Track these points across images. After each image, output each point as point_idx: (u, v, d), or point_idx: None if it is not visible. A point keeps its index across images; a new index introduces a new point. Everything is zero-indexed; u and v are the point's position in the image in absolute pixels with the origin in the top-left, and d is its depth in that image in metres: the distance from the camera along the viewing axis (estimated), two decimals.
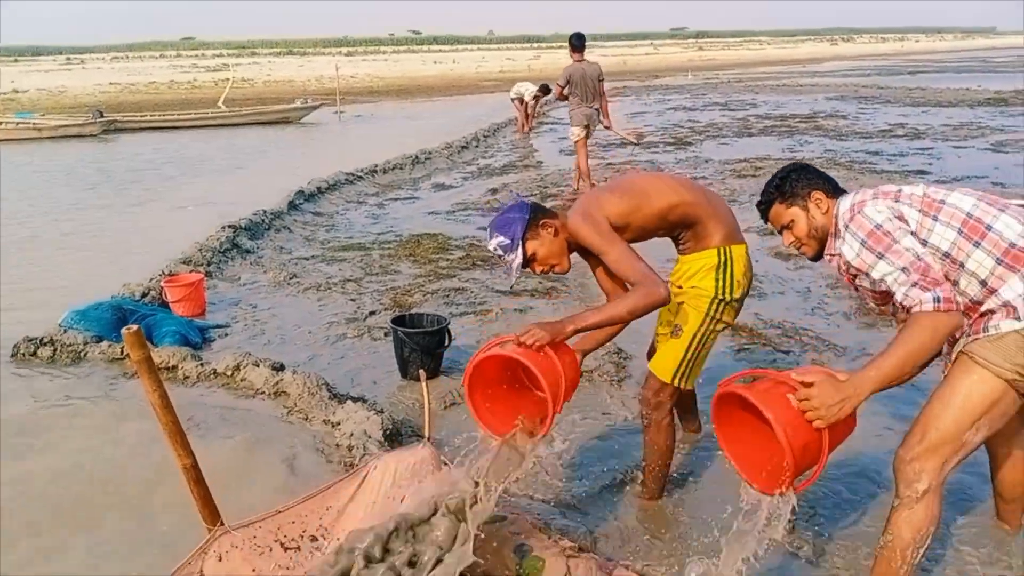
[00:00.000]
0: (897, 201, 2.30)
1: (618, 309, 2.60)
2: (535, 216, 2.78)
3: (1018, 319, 2.18)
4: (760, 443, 2.28)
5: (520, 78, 23.34)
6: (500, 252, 2.79)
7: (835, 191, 2.50)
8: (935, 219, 2.26)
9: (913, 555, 2.28)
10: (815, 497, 3.14)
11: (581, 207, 2.80)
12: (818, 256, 2.52)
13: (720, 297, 2.83)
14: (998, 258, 2.20)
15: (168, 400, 2.15)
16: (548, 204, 8.96)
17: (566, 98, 9.59)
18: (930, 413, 2.28)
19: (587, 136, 9.76)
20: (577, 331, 2.58)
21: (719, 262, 2.83)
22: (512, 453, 2.56)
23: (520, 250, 2.73)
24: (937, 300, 2.10)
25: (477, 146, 15.11)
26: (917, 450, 2.26)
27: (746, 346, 4.72)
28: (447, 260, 6.91)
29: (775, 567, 2.72)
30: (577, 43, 9.57)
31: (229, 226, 7.50)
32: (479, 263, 6.75)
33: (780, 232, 2.60)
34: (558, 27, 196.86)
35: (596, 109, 9.65)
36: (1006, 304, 2.20)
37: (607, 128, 10.11)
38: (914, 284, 2.13)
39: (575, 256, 2.90)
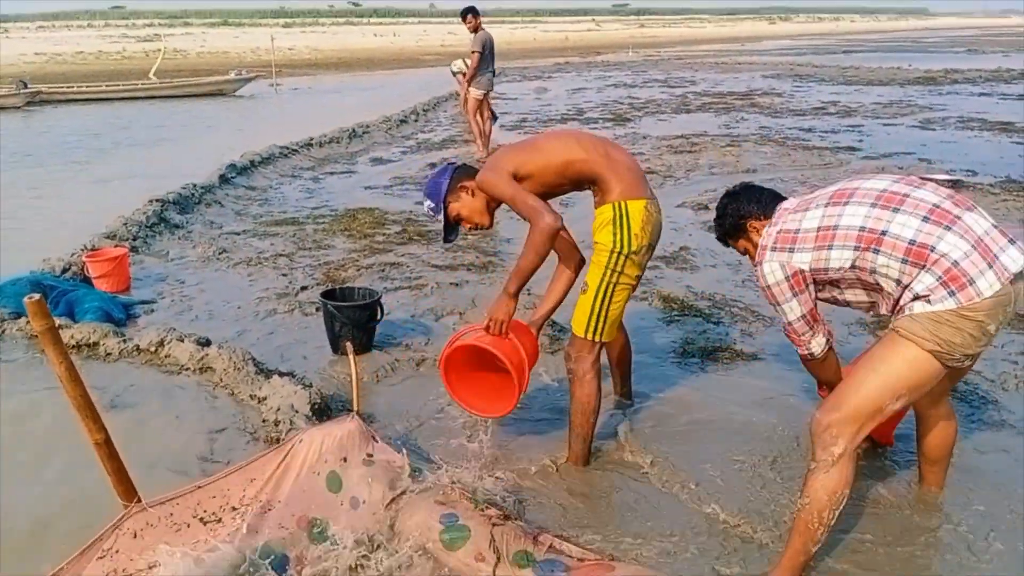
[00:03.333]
0: (792, 251, 2.47)
1: (527, 255, 2.86)
2: (456, 179, 3.09)
3: (929, 303, 2.25)
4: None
5: (462, 52, 23.09)
6: (430, 214, 3.15)
7: (765, 210, 2.69)
8: (829, 248, 2.41)
9: (829, 516, 2.34)
10: (735, 461, 3.21)
11: (487, 163, 3.06)
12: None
13: (618, 250, 2.90)
14: (902, 258, 2.28)
15: (76, 372, 2.08)
16: None
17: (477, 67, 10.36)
18: (853, 380, 2.35)
19: (485, 101, 10.60)
20: (515, 293, 2.94)
21: (614, 215, 2.90)
22: None
23: (444, 212, 3.08)
24: (811, 355, 2.67)
25: (416, 120, 14.93)
26: (835, 416, 2.32)
27: (677, 317, 4.78)
28: (383, 235, 6.82)
29: (712, 531, 2.78)
30: (478, 12, 10.42)
31: (157, 200, 7.27)
32: (416, 238, 6.69)
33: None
34: (499, 2, 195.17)
35: (494, 74, 10.73)
36: (917, 296, 2.28)
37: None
38: (801, 334, 2.62)
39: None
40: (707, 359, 4.22)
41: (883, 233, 2.29)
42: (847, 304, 2.58)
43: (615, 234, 2.90)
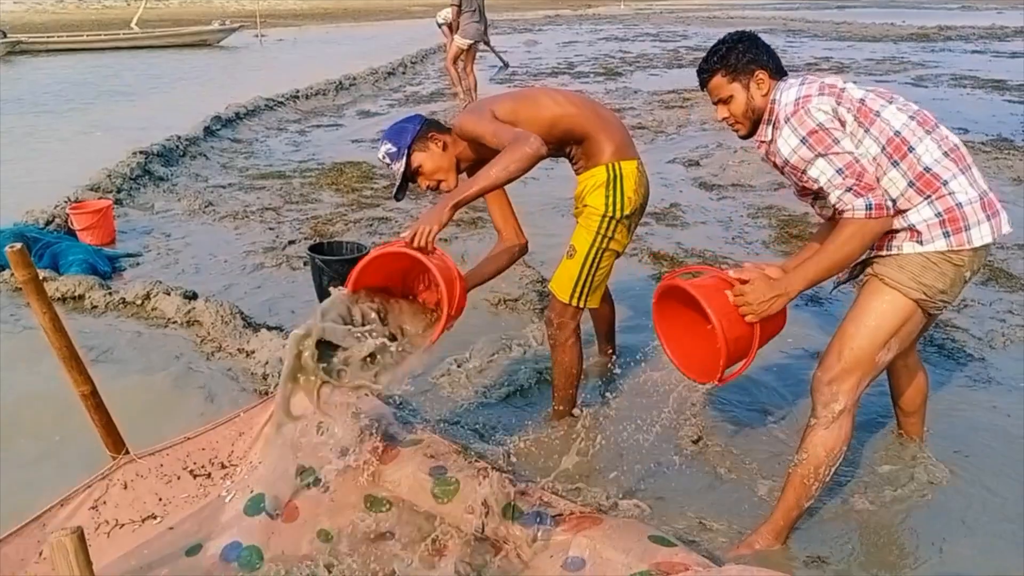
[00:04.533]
0: (839, 103, 2.26)
1: (493, 169, 2.45)
2: (426, 128, 2.75)
3: (920, 243, 2.24)
4: (694, 339, 2.45)
5: (449, 3, 22.70)
6: (387, 160, 2.75)
7: (777, 71, 2.42)
8: (867, 131, 2.24)
9: (826, 472, 2.36)
10: (723, 416, 3.23)
11: (468, 107, 2.84)
12: (749, 135, 2.48)
13: (610, 214, 2.82)
14: (911, 180, 2.23)
15: (60, 323, 2.05)
16: None
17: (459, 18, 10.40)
18: (844, 335, 2.34)
19: (471, 51, 10.56)
20: (458, 206, 2.44)
21: (608, 177, 2.81)
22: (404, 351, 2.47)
23: (405, 160, 2.70)
24: (869, 207, 2.15)
25: (404, 72, 14.73)
26: (834, 372, 2.32)
27: (666, 273, 4.76)
28: (371, 189, 6.76)
29: (700, 485, 2.80)
30: None
31: (141, 152, 7.17)
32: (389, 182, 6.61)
33: (715, 104, 2.49)
34: None
35: (486, 27, 10.62)
36: (911, 227, 2.25)
37: (487, 45, 11.04)
38: (848, 189, 2.16)
39: None
40: None
41: (910, 149, 2.22)
42: (811, 199, 2.46)
43: (608, 197, 2.81)
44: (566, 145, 2.87)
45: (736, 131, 2.50)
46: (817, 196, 2.41)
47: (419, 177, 2.77)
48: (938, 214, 2.22)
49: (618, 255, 2.98)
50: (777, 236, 5.38)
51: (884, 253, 2.31)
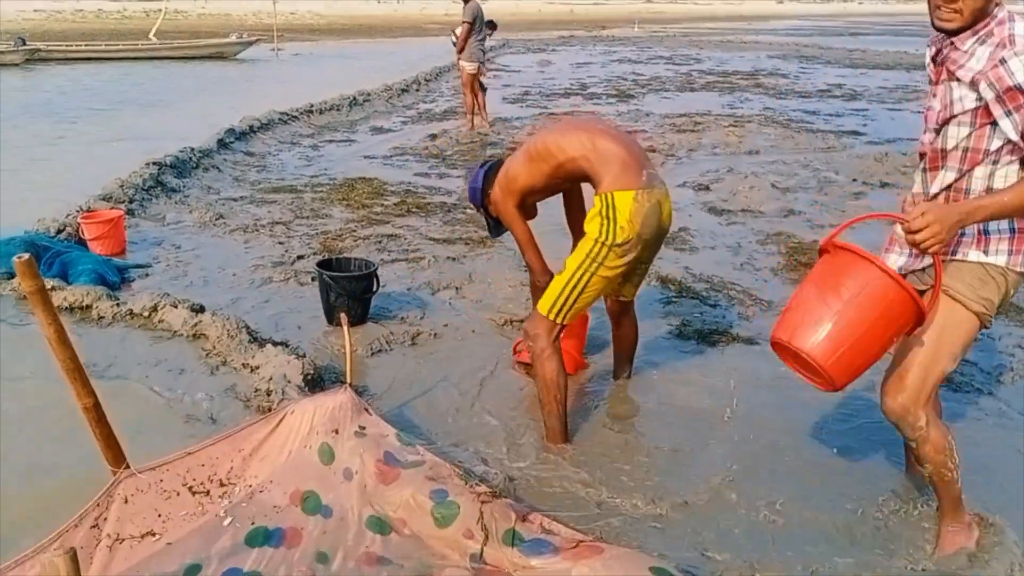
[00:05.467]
0: None
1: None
2: (488, 181, 3.34)
3: (985, 252, 2.24)
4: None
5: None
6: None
7: None
8: None
9: (953, 461, 2.39)
10: (728, 443, 3.19)
11: (498, 181, 3.27)
12: (956, 32, 2.15)
13: (602, 240, 2.90)
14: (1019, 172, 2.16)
15: (65, 335, 2.05)
16: (488, 152, 8.94)
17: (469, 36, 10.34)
18: (914, 356, 2.31)
19: (478, 73, 10.54)
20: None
21: (600, 207, 2.92)
22: None
23: (486, 212, 3.43)
24: None
25: (418, 89, 14.81)
26: (904, 397, 2.32)
27: (673, 298, 4.75)
28: (381, 206, 6.77)
29: (701, 514, 2.77)
30: None
31: (154, 163, 7.21)
32: (414, 210, 6.63)
33: None
34: None
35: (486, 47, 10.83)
36: (984, 232, 2.23)
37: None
38: None
39: None
40: (703, 342, 4.19)
41: None
42: (934, 132, 2.27)
43: (601, 225, 2.91)
44: (575, 182, 3.19)
45: (946, 21, 2.14)
46: (939, 130, 2.24)
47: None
48: (1012, 228, 2.21)
49: (609, 282, 3.03)
50: (786, 263, 5.36)
51: (950, 257, 2.27)
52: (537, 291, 3.25)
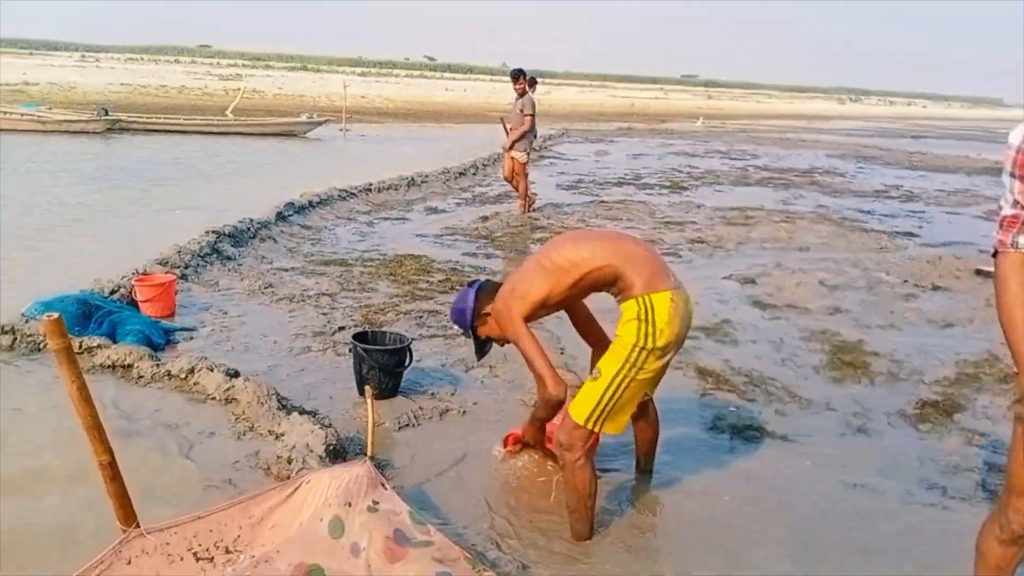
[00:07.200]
0: None
1: (538, 413, 3.33)
2: (480, 300, 3.20)
3: None
4: None
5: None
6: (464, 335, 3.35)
7: None
8: None
9: None
10: (757, 542, 3.08)
11: (501, 295, 3.11)
12: None
13: (642, 344, 2.82)
14: None
15: (87, 392, 2.11)
16: (536, 236, 9.05)
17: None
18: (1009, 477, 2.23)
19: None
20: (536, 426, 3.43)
21: (638, 311, 2.84)
22: None
23: (474, 335, 3.27)
24: None
25: (475, 173, 15.15)
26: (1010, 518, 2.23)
27: (710, 391, 4.67)
28: (427, 282, 6.87)
29: None
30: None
31: (213, 231, 7.47)
32: (458, 287, 6.70)
33: None
34: (570, 65, 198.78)
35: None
36: None
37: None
38: None
39: None
40: (737, 436, 4.10)
41: None
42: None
43: (639, 329, 2.82)
44: (600, 289, 3.03)
45: None
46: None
47: (496, 342, 3.28)
48: None
49: (647, 386, 2.98)
50: (829, 362, 5.25)
51: None
52: (545, 405, 3.17)
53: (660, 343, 2.82)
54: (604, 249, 2.96)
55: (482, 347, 3.32)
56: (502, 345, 3.30)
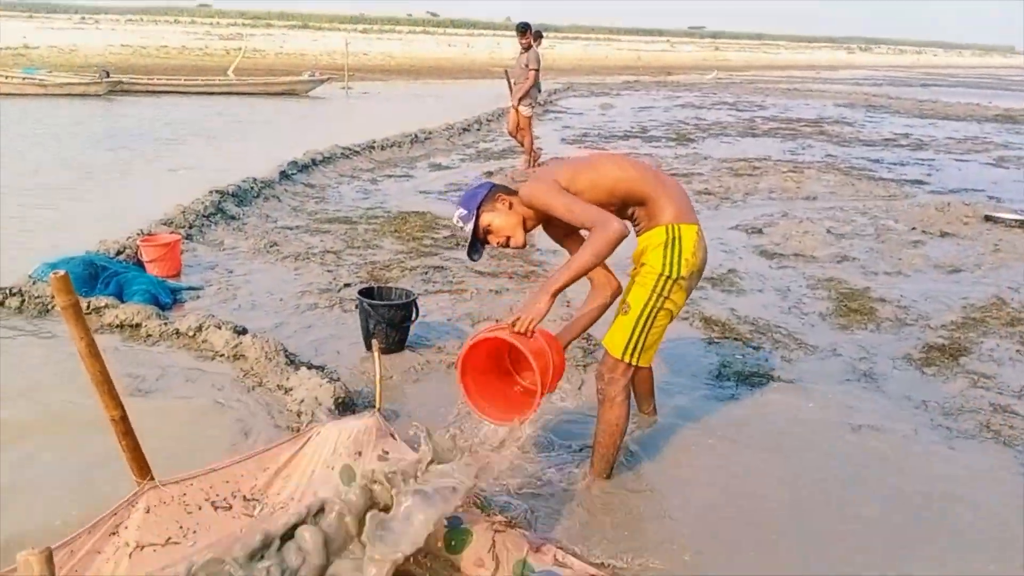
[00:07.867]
0: None
1: (583, 257, 2.66)
2: (494, 191, 2.96)
3: None
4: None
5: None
6: (460, 223, 2.96)
7: None
8: None
9: None
10: (759, 484, 3.11)
11: (533, 176, 2.94)
12: None
13: (667, 274, 2.83)
14: None
15: (96, 348, 2.12)
16: None
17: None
18: None
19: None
20: (555, 294, 2.68)
21: (667, 239, 2.85)
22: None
23: (473, 220, 2.90)
24: None
25: (479, 129, 15.04)
26: None
27: (716, 339, 4.68)
28: (431, 238, 6.87)
29: (715, 560, 2.70)
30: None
31: (217, 191, 7.46)
32: (463, 243, 6.65)
33: None
34: (575, 18, 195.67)
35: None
36: None
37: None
38: None
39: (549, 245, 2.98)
40: (742, 383, 4.12)
41: None
42: None
43: (666, 257, 2.83)
44: (628, 207, 2.94)
45: None
46: None
47: (489, 235, 2.94)
48: None
49: (672, 316, 2.95)
50: (835, 309, 5.25)
51: None
52: (608, 245, 2.63)
53: (684, 272, 2.84)
54: (643, 171, 2.95)
55: (475, 244, 2.99)
56: (498, 245, 2.96)
